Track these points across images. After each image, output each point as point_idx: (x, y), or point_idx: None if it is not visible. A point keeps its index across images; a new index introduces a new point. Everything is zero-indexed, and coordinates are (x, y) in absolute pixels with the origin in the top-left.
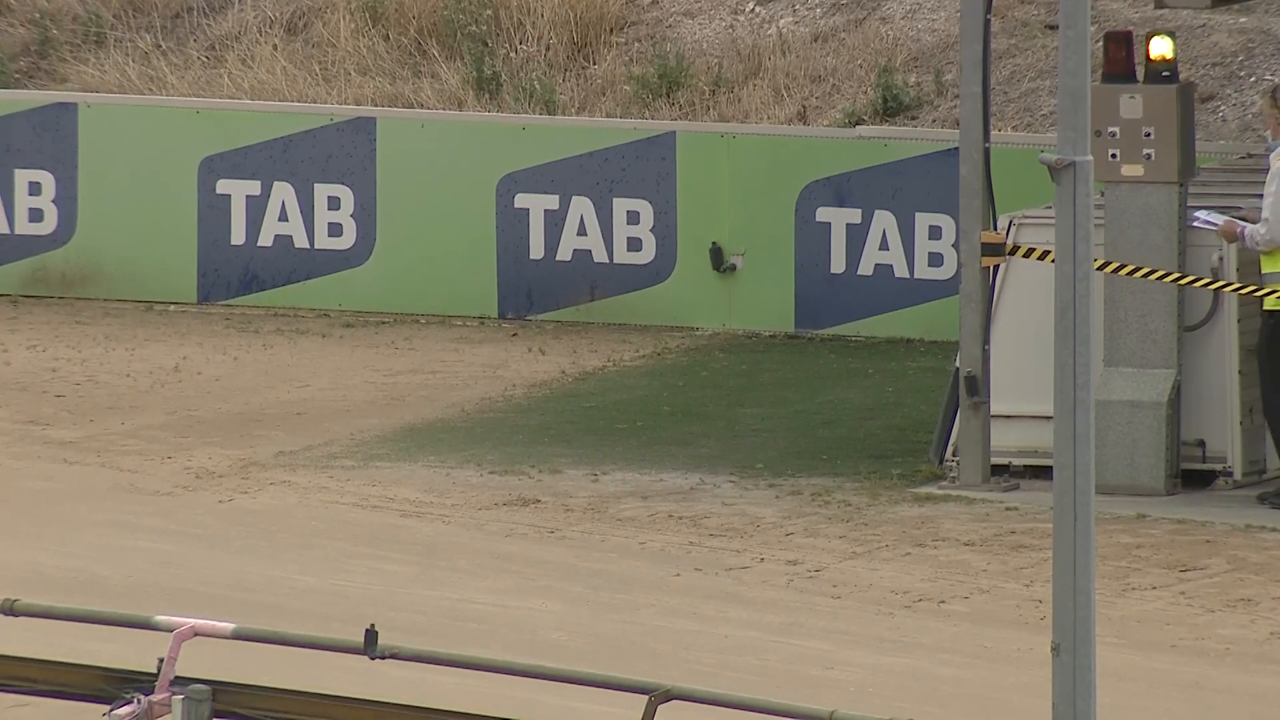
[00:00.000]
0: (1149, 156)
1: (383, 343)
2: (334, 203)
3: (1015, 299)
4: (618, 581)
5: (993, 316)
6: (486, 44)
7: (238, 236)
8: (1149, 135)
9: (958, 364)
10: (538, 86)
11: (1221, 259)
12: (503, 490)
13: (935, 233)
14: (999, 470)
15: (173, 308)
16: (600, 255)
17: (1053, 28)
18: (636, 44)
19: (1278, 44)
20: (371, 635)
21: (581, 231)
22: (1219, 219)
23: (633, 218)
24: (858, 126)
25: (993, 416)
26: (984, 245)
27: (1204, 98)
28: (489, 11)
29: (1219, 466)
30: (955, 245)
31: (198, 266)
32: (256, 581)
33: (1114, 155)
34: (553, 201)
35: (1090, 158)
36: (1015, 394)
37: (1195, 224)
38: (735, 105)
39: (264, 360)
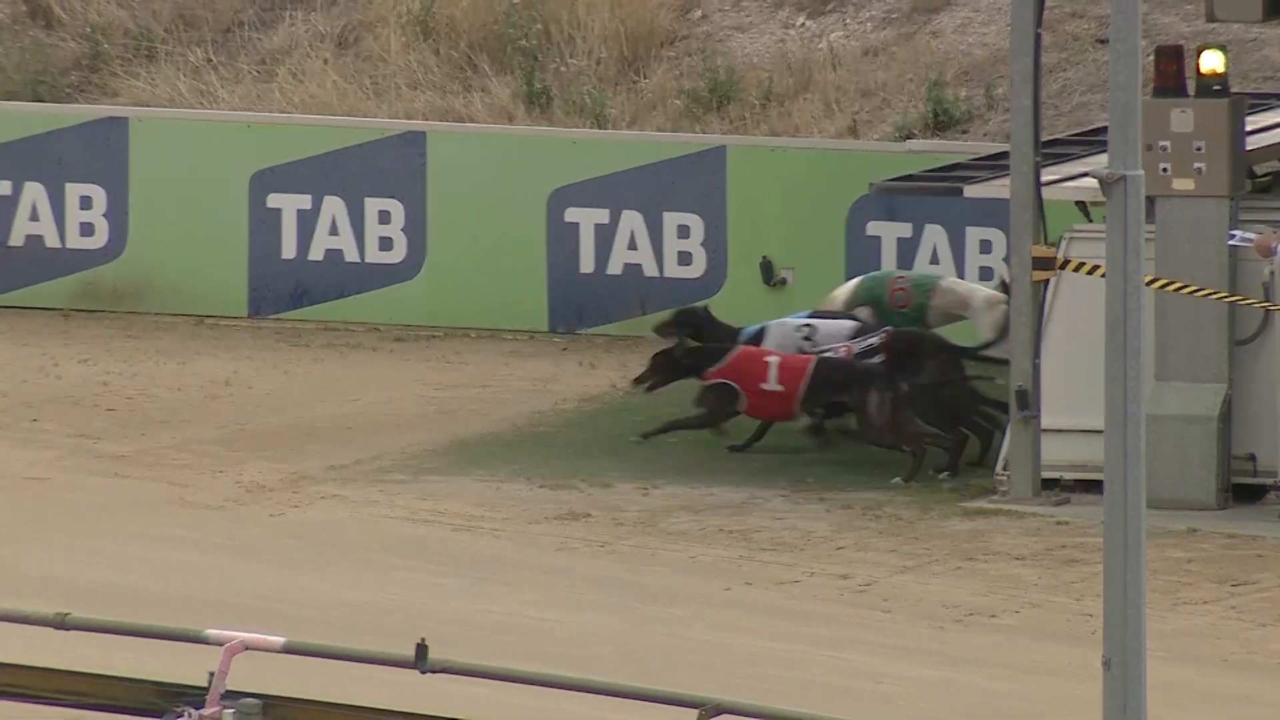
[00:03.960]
0: (1200, 170)
1: (433, 357)
2: (384, 217)
3: (1066, 313)
4: (668, 595)
5: (1043, 331)
6: (537, 58)
7: (288, 250)
8: (1199, 149)
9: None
10: (588, 100)
11: (1273, 274)
12: (553, 504)
13: (985, 247)
14: (1050, 484)
15: (223, 322)
16: (650, 269)
17: (1103, 41)
18: (687, 58)
19: None
20: (422, 649)
21: (632, 245)
22: (1253, 236)
23: (683, 232)
24: (908, 141)
25: (1043, 431)
26: (1034, 259)
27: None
28: (539, 25)
29: (1270, 480)
30: (1006, 259)
31: (248, 280)
32: (307, 595)
33: (1165, 169)
34: (603, 215)
35: (1141, 172)
36: (1066, 408)
37: (1232, 242)
38: (785, 119)
39: (314, 374)
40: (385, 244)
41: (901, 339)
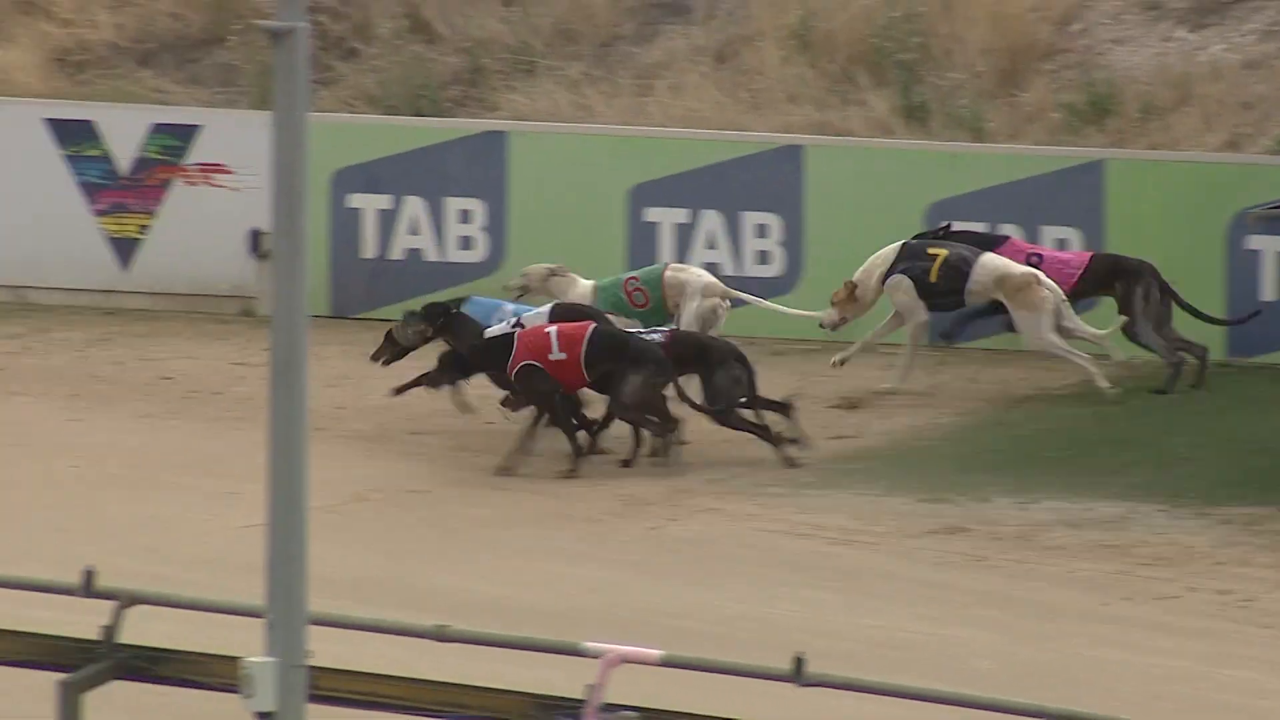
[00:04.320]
0: None
1: (812, 371)
2: (762, 231)
3: None
4: (1046, 610)
5: None
6: (915, 71)
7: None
8: None
9: None
10: (966, 114)
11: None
12: (931, 518)
13: None
14: None
15: None
16: None
17: None
18: (1066, 71)
19: None
20: (799, 662)
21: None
22: None
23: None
24: None
25: None
26: None
27: None
28: (918, 39)
29: None
30: None
31: None
32: (684, 608)
33: None
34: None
35: None
36: None
37: None
38: (1164, 133)
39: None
40: (762, 258)
41: (682, 340)
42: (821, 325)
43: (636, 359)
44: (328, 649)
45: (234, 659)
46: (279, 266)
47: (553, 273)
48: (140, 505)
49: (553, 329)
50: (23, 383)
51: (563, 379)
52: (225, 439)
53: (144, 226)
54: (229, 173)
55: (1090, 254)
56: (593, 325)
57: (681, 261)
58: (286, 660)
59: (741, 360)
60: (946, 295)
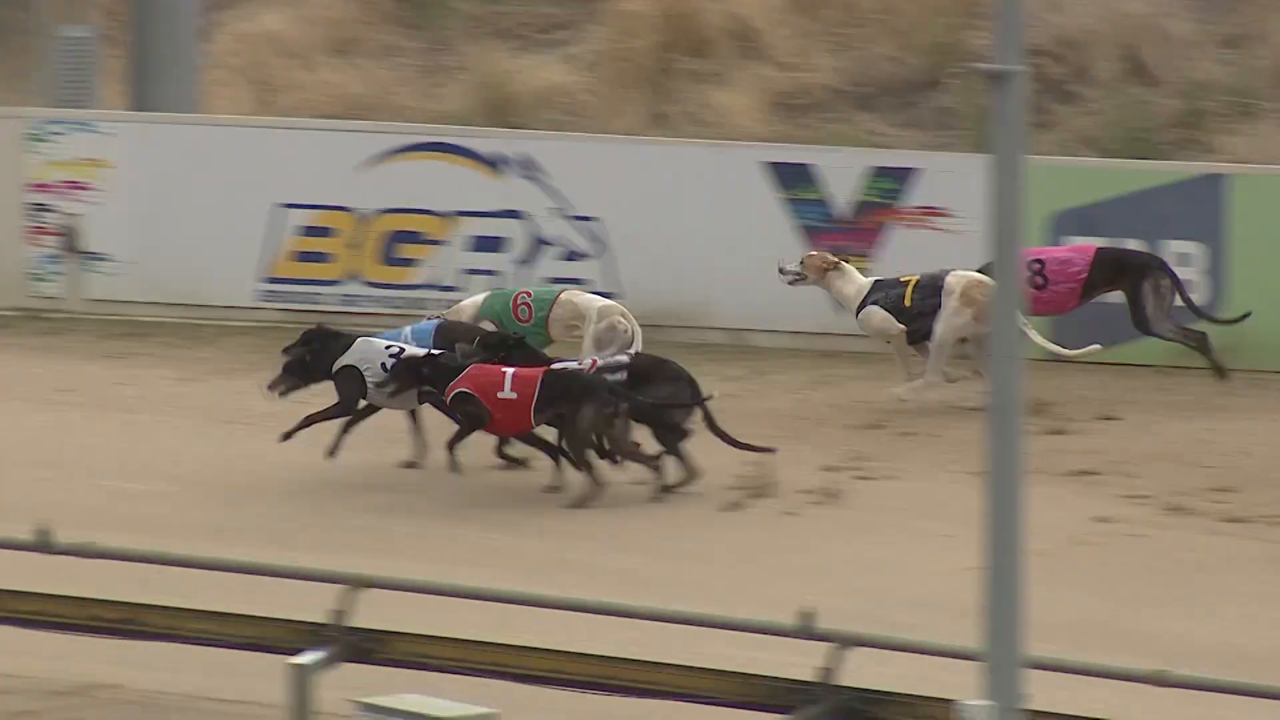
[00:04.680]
0: None
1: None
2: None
3: None
4: None
5: None
6: None
7: None
8: None
9: None
10: None
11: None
12: None
13: None
14: None
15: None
16: None
17: None
18: None
19: None
20: None
21: None
22: None
23: None
24: None
25: None
26: None
27: None
28: None
29: None
30: None
31: None
32: None
33: None
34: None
35: None
36: None
37: None
38: None
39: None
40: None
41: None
42: (781, 271)
43: (585, 394)
44: (1044, 693)
45: (949, 702)
46: (996, 308)
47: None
48: (857, 548)
49: (509, 369)
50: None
51: (505, 420)
52: (943, 484)
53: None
54: (947, 216)
55: (1094, 249)
56: (545, 368)
57: None
58: (1004, 703)
59: (691, 383)
60: (923, 317)
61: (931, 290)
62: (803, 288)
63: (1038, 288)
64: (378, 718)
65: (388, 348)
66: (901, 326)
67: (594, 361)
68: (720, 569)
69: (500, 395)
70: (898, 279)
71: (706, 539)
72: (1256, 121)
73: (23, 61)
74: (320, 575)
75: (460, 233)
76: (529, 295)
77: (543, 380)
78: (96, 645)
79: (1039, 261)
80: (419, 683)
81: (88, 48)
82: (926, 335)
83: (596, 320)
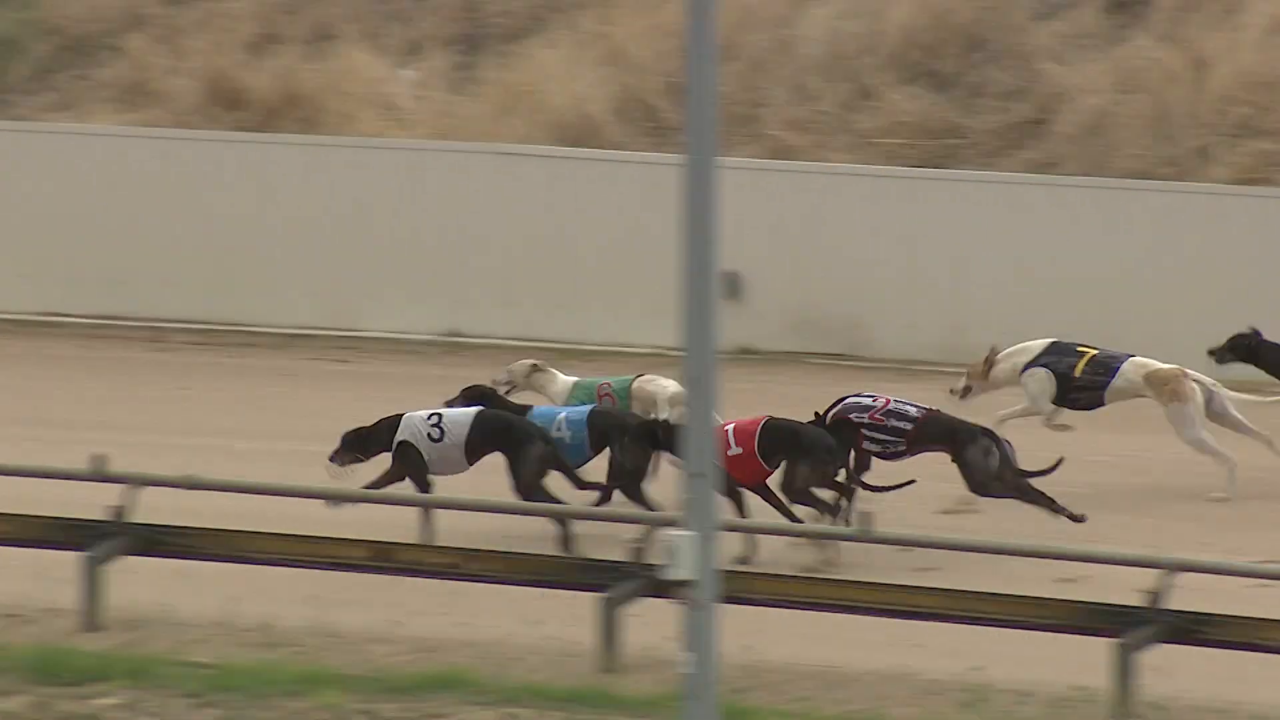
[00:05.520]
0: None
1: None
2: None
3: None
4: None
5: None
6: None
7: None
8: None
9: None
10: None
11: None
12: None
13: None
14: None
15: None
16: None
17: None
18: None
19: None
20: None
21: None
22: None
23: None
24: None
25: None
26: None
27: None
28: None
29: None
30: None
31: None
32: None
33: None
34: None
35: None
36: None
37: None
38: None
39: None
40: None
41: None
42: (951, 391)
43: (807, 450)
44: None
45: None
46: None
47: (536, 368)
48: None
49: (730, 425)
50: None
51: (742, 472)
52: None
53: None
54: None
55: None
56: (764, 419)
57: None
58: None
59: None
60: (1086, 390)
61: (1107, 368)
62: None
63: None
64: None
65: (428, 418)
66: (1049, 408)
67: (887, 400)
68: None
69: (730, 453)
70: (1075, 346)
71: None
72: None
73: None
74: (1137, 560)
75: None
76: (609, 385)
77: (760, 432)
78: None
79: None
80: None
81: None
82: (1085, 405)
83: (669, 406)
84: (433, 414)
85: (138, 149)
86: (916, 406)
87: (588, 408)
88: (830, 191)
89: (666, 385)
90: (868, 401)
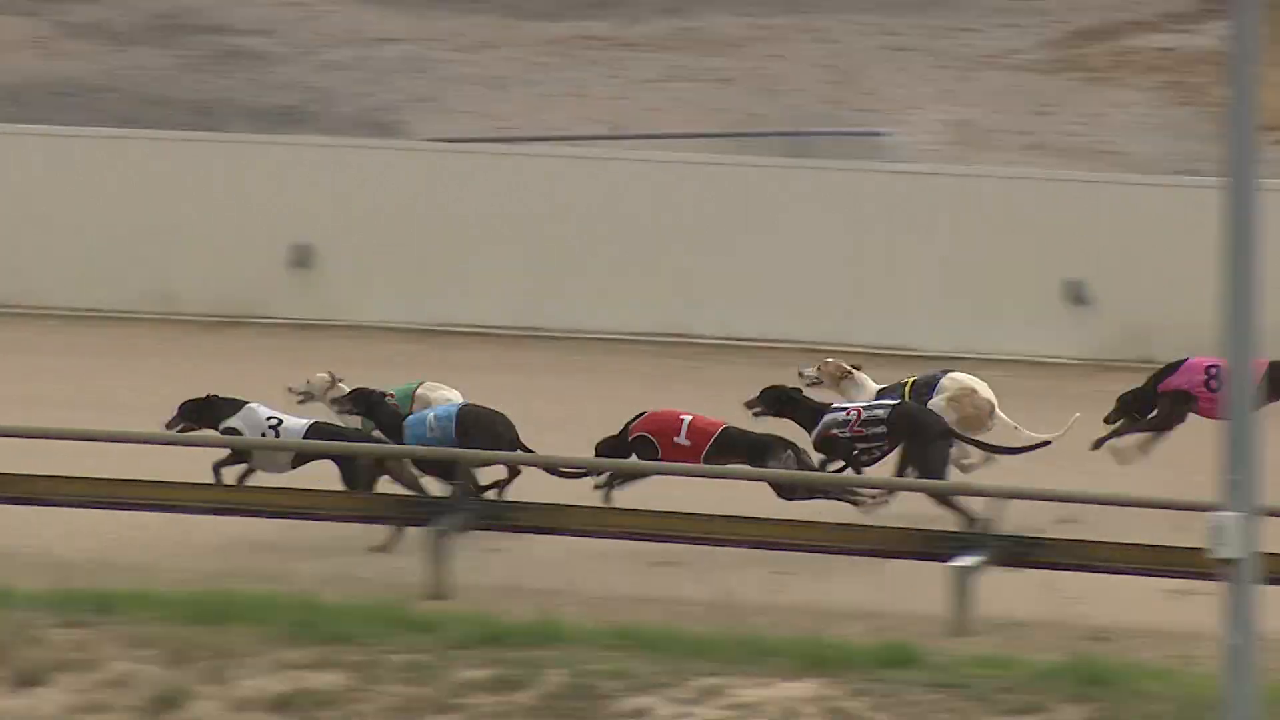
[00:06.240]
0: None
1: None
2: None
3: None
4: None
5: None
6: None
7: None
8: None
9: None
10: None
11: None
12: None
13: None
14: None
15: None
16: None
17: None
18: None
19: None
20: None
21: None
22: None
23: None
24: None
25: None
26: None
27: None
28: None
29: None
30: None
31: None
32: None
33: None
34: None
35: None
36: None
37: None
38: None
39: None
40: None
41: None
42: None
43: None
44: None
45: None
46: None
47: (333, 383)
48: None
49: (687, 417)
50: None
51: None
52: None
53: None
54: None
55: (1267, 361)
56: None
57: None
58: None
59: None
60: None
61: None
62: None
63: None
64: None
65: (268, 418)
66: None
67: (858, 412)
68: None
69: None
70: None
71: None
72: None
73: None
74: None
75: None
76: (392, 396)
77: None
78: None
79: (1216, 366)
80: None
81: None
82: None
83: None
84: (271, 416)
85: None
86: (884, 406)
87: (456, 405)
88: None
89: (448, 394)
90: (842, 416)
